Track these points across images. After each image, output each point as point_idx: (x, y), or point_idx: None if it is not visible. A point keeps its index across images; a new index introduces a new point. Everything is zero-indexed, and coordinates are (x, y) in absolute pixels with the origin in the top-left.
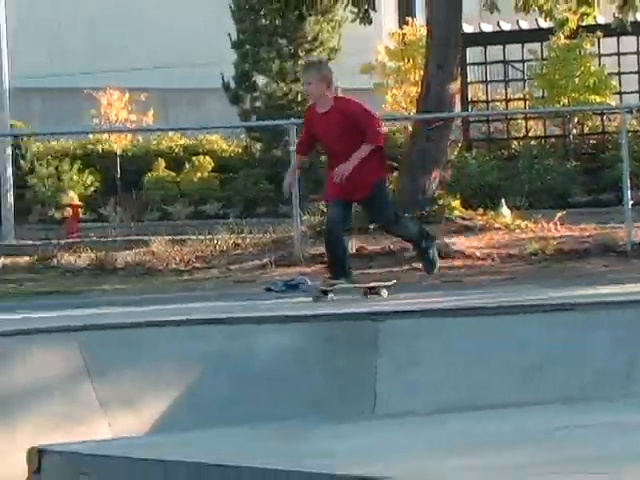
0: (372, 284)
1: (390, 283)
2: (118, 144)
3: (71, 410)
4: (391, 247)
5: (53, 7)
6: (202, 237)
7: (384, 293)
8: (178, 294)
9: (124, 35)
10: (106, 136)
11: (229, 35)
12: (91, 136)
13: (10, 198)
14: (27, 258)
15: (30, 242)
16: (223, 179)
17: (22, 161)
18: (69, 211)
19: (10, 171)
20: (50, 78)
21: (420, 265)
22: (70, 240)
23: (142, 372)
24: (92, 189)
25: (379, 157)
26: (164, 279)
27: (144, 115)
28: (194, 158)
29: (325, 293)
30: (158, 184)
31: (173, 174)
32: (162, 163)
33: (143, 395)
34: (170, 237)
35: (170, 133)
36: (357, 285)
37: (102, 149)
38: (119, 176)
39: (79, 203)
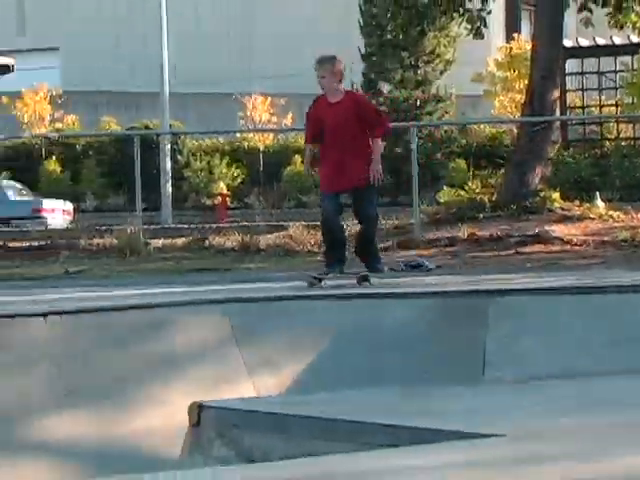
0: (363, 273)
1: (380, 273)
2: (261, 142)
3: (221, 372)
4: (498, 234)
5: (209, 24)
6: None
7: (373, 281)
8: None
9: (267, 48)
10: (251, 135)
11: (358, 48)
12: (238, 135)
13: (169, 188)
14: (183, 239)
15: (186, 226)
16: None
17: (179, 156)
18: (219, 199)
19: (169, 165)
20: (204, 84)
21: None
22: (220, 224)
23: (282, 339)
24: (239, 181)
25: (375, 150)
26: (301, 259)
27: (284, 117)
28: None
29: (320, 280)
30: (295, 177)
31: None
32: (298, 159)
33: (283, 359)
34: (305, 223)
35: None
36: (350, 273)
37: (247, 146)
38: (262, 170)
39: (227, 193)
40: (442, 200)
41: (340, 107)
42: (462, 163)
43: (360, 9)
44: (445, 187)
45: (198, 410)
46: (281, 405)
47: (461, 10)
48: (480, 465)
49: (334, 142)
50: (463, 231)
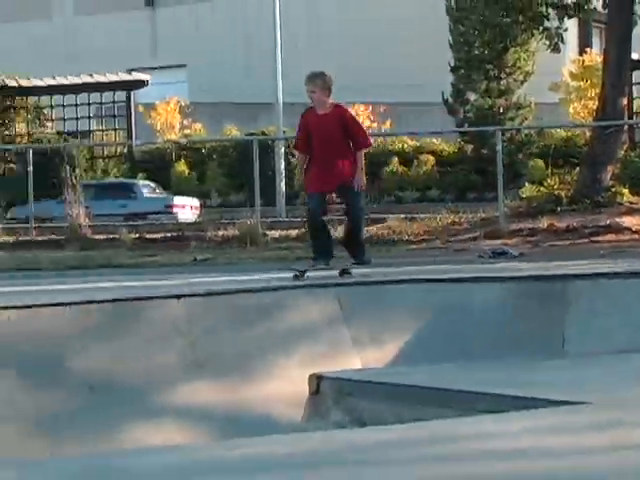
0: (344, 267)
1: (366, 265)
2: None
3: (332, 346)
4: (574, 225)
5: (316, 44)
6: (427, 216)
7: (353, 272)
8: (409, 259)
9: (368, 65)
10: None
11: (448, 62)
12: None
13: (283, 186)
14: (296, 231)
15: (298, 219)
16: (442, 172)
17: (292, 158)
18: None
19: (283, 166)
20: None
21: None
22: (327, 217)
23: (384, 318)
24: None
25: (356, 159)
26: (398, 248)
27: (382, 124)
28: (420, 156)
29: (303, 273)
30: (393, 175)
31: (404, 168)
32: (396, 159)
33: (385, 336)
34: (403, 215)
35: (402, 137)
36: (334, 267)
37: None
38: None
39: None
40: (524, 195)
41: (327, 118)
42: (541, 162)
43: (450, 28)
44: (527, 184)
45: (317, 380)
46: (389, 375)
47: (540, 28)
48: (569, 430)
49: (321, 149)
50: (543, 223)
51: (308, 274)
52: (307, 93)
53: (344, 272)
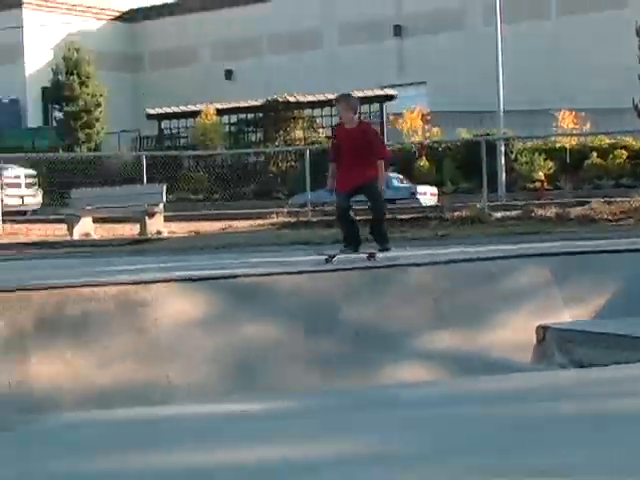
0: (370, 251)
1: (387, 251)
2: (567, 143)
3: (546, 304)
4: None
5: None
6: (622, 199)
7: (378, 257)
8: (608, 234)
9: (571, 73)
10: (560, 138)
11: (638, 75)
12: (552, 138)
13: (503, 176)
14: (516, 212)
15: (517, 202)
16: (634, 164)
17: (511, 154)
18: (539, 183)
19: (503, 160)
20: (529, 103)
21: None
22: (541, 201)
23: (587, 281)
24: (552, 170)
25: (377, 166)
26: (599, 225)
27: (584, 125)
28: (615, 151)
29: (332, 257)
30: (593, 167)
31: (602, 160)
32: (595, 154)
33: (589, 295)
34: (602, 199)
35: (600, 136)
36: (362, 252)
37: (557, 147)
38: (568, 162)
39: (544, 179)
40: None
41: (353, 132)
42: None
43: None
44: None
45: (543, 330)
46: (599, 326)
47: None
48: None
49: (348, 156)
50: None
51: (338, 256)
52: (338, 111)
53: (370, 256)
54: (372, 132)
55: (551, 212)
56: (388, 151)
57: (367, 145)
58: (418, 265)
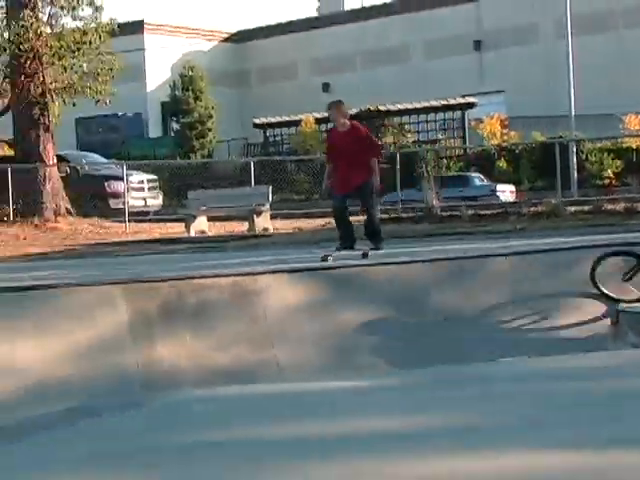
0: (364, 249)
1: (380, 251)
2: (634, 143)
3: (613, 289)
4: None
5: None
6: None
7: (370, 254)
8: None
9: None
10: (627, 139)
11: None
12: (620, 140)
13: (575, 174)
14: (588, 206)
15: (587, 198)
16: None
17: (582, 154)
18: (608, 181)
19: (575, 160)
20: (597, 108)
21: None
22: (609, 197)
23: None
24: (620, 168)
25: (371, 166)
26: None
27: None
28: None
29: (328, 256)
30: None
31: None
32: None
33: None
34: None
35: None
36: (358, 249)
37: (624, 147)
38: (634, 160)
39: (612, 177)
40: None
41: (346, 135)
42: None
43: None
44: None
45: (616, 313)
46: None
47: None
48: None
49: (342, 159)
50: None
51: (334, 254)
52: (329, 116)
53: (364, 255)
54: (364, 133)
55: (620, 207)
56: (380, 145)
57: (360, 146)
58: (495, 256)
